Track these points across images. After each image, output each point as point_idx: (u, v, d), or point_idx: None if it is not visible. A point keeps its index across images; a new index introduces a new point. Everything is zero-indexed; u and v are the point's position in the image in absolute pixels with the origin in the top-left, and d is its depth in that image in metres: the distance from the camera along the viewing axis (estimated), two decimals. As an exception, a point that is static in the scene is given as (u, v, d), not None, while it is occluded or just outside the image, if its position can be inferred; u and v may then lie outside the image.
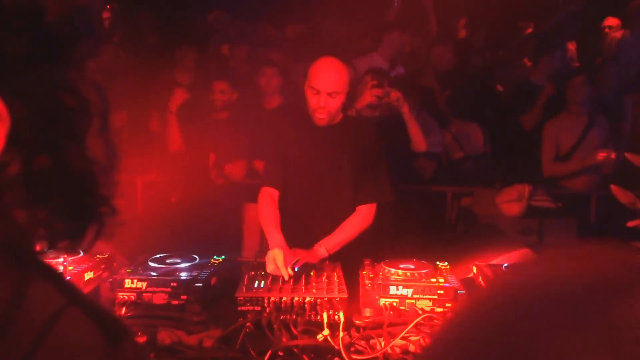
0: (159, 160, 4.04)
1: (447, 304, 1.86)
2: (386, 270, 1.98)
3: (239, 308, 1.84)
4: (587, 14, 5.55)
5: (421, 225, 3.70)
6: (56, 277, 0.60)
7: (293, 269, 2.04)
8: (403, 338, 1.70)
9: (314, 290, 1.88)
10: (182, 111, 3.93)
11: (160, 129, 4.15)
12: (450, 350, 0.45)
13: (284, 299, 1.84)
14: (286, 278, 1.96)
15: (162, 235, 3.25)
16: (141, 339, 1.57)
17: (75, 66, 0.59)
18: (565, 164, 4.07)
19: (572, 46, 5.53)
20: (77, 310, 0.57)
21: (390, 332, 1.74)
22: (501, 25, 5.73)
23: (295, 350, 1.65)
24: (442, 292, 1.87)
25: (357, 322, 1.82)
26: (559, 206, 3.76)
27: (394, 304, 1.87)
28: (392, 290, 1.88)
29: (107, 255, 2.13)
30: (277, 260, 2.00)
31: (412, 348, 1.69)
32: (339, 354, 1.65)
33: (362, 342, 1.73)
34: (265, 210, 2.37)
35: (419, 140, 3.49)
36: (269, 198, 2.41)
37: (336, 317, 1.80)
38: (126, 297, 1.88)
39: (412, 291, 1.88)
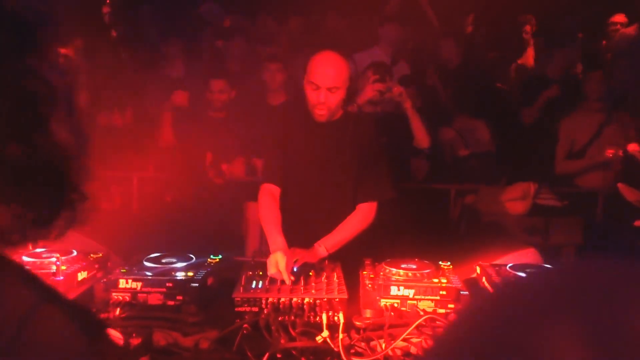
0: (155, 157, 4.04)
1: (450, 305, 1.86)
2: (387, 270, 1.97)
3: (236, 309, 1.83)
4: (591, 10, 5.55)
5: (423, 224, 3.69)
6: (27, 275, 0.60)
7: (292, 269, 2.04)
8: (404, 340, 1.70)
9: (313, 291, 1.88)
10: (179, 109, 3.93)
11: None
12: (452, 352, 0.45)
13: (282, 299, 1.84)
14: (288, 283, 1.96)
15: (158, 234, 3.25)
16: (136, 341, 1.57)
17: (38, 52, 0.59)
18: (575, 161, 4.07)
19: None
20: (51, 307, 0.56)
21: (391, 333, 1.74)
22: (504, 20, 5.73)
23: (294, 352, 1.64)
24: (444, 292, 1.87)
25: (357, 323, 1.82)
26: (565, 204, 3.76)
27: (395, 305, 1.86)
28: (393, 290, 1.88)
29: (101, 255, 2.13)
30: (280, 264, 1.99)
31: (413, 350, 1.68)
32: (338, 356, 1.64)
33: (363, 344, 1.73)
34: (266, 209, 2.34)
35: (422, 137, 3.49)
36: (270, 196, 2.39)
37: (336, 318, 1.80)
38: (120, 298, 1.88)
39: (414, 292, 1.88)
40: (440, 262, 2.07)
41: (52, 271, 1.85)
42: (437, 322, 1.77)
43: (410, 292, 1.88)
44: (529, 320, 0.41)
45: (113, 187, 4.04)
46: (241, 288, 1.90)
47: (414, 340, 1.72)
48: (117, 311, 1.82)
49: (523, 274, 1.98)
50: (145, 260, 2.05)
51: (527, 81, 4.66)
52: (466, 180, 4.06)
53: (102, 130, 3.98)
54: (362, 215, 2.41)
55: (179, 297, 1.89)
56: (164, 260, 2.07)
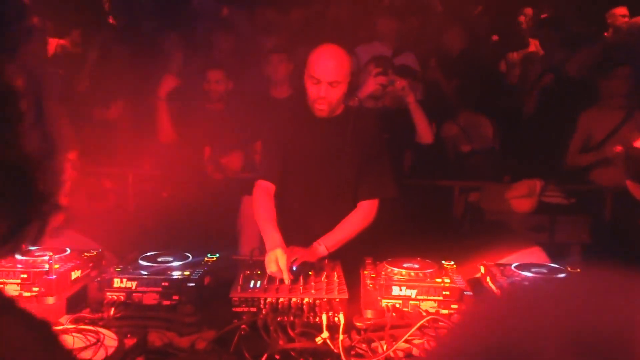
0: (151, 153, 4.04)
1: (453, 306, 1.86)
2: (389, 270, 1.97)
3: (234, 309, 1.83)
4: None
5: (426, 222, 3.69)
6: None
7: (291, 268, 2.04)
8: (406, 341, 1.70)
9: (312, 291, 1.88)
10: (174, 101, 3.91)
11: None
12: (454, 355, 0.45)
13: (281, 299, 1.83)
14: (287, 282, 1.95)
15: (154, 232, 3.25)
16: (130, 341, 1.57)
17: (3, 53, 0.57)
18: (586, 155, 4.06)
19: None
20: (7, 318, 0.56)
21: (393, 334, 1.74)
22: (507, 10, 5.75)
23: (293, 353, 1.64)
24: (447, 293, 1.86)
25: (358, 324, 1.82)
26: (572, 202, 3.76)
27: (397, 306, 1.86)
28: (395, 290, 1.88)
29: (95, 253, 2.13)
30: (280, 262, 1.99)
31: (415, 352, 1.68)
32: (338, 357, 1.64)
33: (363, 345, 1.73)
34: (261, 206, 2.34)
35: (425, 132, 3.48)
36: (264, 193, 2.39)
37: (336, 318, 1.80)
38: (115, 297, 1.88)
39: (416, 292, 1.87)
40: (443, 262, 2.07)
41: (44, 270, 1.85)
42: (440, 323, 1.77)
43: (412, 292, 1.87)
44: (528, 326, 0.41)
45: (108, 184, 4.03)
46: (239, 287, 1.89)
47: (416, 341, 1.72)
48: (112, 311, 1.82)
49: (529, 274, 1.98)
50: (141, 259, 2.05)
51: (535, 75, 4.65)
52: (469, 177, 4.06)
53: (97, 125, 3.98)
54: (363, 214, 2.41)
55: (175, 297, 1.89)
56: (159, 259, 2.07)
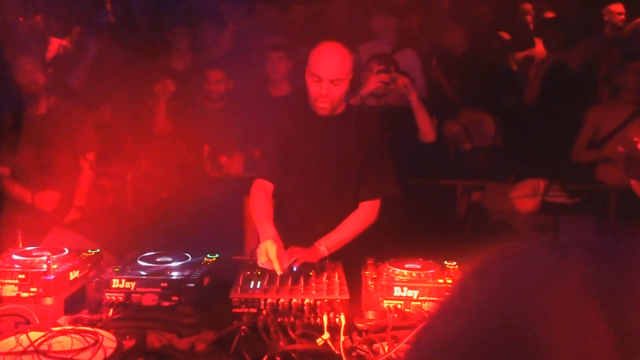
0: (150, 151, 4.04)
1: (455, 307, 1.86)
2: (390, 270, 1.97)
3: (234, 310, 1.83)
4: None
5: (428, 222, 3.69)
6: None
7: (291, 268, 2.04)
8: (408, 342, 1.70)
9: (313, 292, 1.88)
10: (174, 99, 3.92)
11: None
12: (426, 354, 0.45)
13: (282, 300, 1.83)
14: (278, 273, 1.97)
15: (153, 232, 3.26)
16: (129, 343, 1.57)
17: None
18: (590, 151, 4.06)
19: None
20: None
21: (395, 336, 1.74)
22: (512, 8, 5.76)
23: (293, 355, 1.65)
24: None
25: (359, 325, 1.82)
26: (577, 202, 3.76)
27: (399, 306, 1.86)
28: (397, 291, 1.88)
29: (93, 253, 2.13)
30: (270, 252, 2.01)
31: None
32: (339, 359, 1.65)
33: (365, 347, 1.73)
34: (257, 202, 2.36)
35: (427, 130, 3.48)
36: (262, 190, 2.40)
37: (337, 319, 1.80)
38: (114, 298, 1.88)
39: (418, 293, 1.87)
40: (445, 262, 2.07)
41: (42, 270, 1.85)
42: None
43: (414, 293, 1.87)
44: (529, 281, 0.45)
45: (106, 183, 4.04)
46: (239, 288, 1.90)
47: (418, 343, 1.72)
48: (110, 312, 1.82)
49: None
50: (140, 259, 2.05)
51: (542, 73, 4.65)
52: (471, 175, 4.06)
53: (95, 124, 3.98)
54: (364, 214, 2.41)
55: (175, 298, 1.89)
56: (158, 259, 2.07)
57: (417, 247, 2.15)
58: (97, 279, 1.93)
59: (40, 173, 3.42)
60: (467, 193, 4.11)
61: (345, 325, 1.77)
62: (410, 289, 1.88)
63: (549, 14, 5.89)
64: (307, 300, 1.83)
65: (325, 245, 2.28)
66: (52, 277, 1.84)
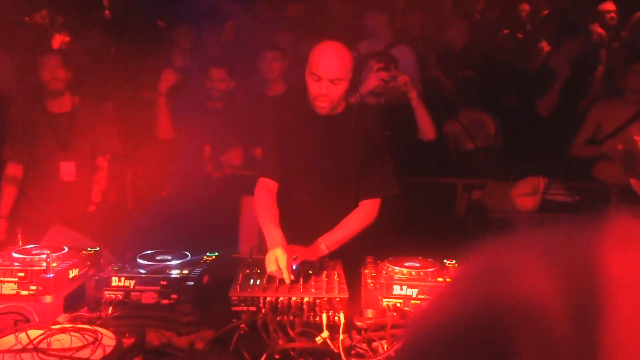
0: (151, 150, 4.04)
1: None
2: (390, 269, 1.97)
3: (233, 308, 1.84)
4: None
5: (428, 220, 3.70)
6: None
7: (291, 267, 2.04)
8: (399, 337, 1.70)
9: (312, 290, 1.88)
10: (175, 97, 3.91)
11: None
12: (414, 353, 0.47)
13: (281, 298, 1.84)
14: (287, 281, 1.95)
15: (152, 231, 3.26)
16: (128, 341, 1.58)
17: None
18: (588, 147, 4.07)
19: (599, 29, 5.52)
20: None
21: (394, 334, 1.74)
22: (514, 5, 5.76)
23: (292, 353, 1.65)
24: (449, 292, 1.87)
25: (359, 323, 1.82)
26: (577, 200, 3.76)
27: (398, 305, 1.87)
28: (396, 290, 1.88)
29: (93, 252, 2.14)
30: (280, 261, 1.98)
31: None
32: (338, 357, 1.65)
33: (364, 345, 1.73)
34: (263, 204, 2.34)
35: (427, 128, 3.48)
36: (266, 191, 2.39)
37: (336, 318, 1.81)
38: (113, 296, 1.88)
39: (418, 291, 1.88)
40: (445, 260, 2.07)
41: (42, 268, 1.85)
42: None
43: (413, 292, 1.88)
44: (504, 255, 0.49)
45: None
46: (238, 286, 1.90)
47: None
48: (110, 310, 1.83)
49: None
50: (139, 257, 2.06)
51: (541, 68, 4.65)
52: (472, 174, 4.06)
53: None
54: (364, 213, 2.41)
55: (174, 296, 1.89)
56: (158, 258, 2.08)
57: (417, 246, 2.15)
58: (97, 277, 1.94)
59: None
60: (467, 191, 4.11)
61: (345, 324, 1.77)
62: (409, 287, 1.88)
63: (545, 11, 5.90)
64: (306, 299, 1.84)
65: (325, 244, 2.28)
66: (52, 275, 1.85)
